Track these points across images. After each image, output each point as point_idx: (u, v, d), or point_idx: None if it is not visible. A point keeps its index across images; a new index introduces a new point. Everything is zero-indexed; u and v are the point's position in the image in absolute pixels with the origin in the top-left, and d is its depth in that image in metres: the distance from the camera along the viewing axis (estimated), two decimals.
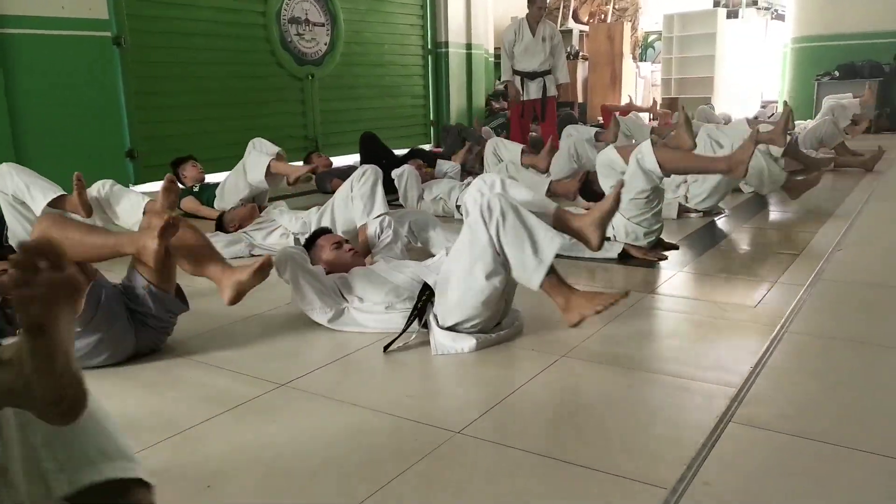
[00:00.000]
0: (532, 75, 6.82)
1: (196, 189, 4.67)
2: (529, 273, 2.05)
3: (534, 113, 6.94)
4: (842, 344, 2.09)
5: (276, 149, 4.28)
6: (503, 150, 4.94)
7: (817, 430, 1.56)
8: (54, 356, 0.75)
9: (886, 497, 1.32)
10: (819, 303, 2.46)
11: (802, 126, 6.84)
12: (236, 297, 2.08)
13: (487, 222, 2.06)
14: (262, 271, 2.08)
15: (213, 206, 4.45)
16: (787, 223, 4.01)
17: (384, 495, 1.39)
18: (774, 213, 4.31)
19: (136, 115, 5.60)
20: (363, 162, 5.86)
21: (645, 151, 2.99)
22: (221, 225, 3.79)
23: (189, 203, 4.60)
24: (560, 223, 2.25)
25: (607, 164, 3.29)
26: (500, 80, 10.49)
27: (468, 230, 2.13)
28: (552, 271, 2.07)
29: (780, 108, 9.52)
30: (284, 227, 3.60)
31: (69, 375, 0.77)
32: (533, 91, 6.85)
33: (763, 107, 11.30)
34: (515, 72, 6.86)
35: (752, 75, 12.00)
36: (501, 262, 2.08)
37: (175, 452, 1.58)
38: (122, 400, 1.87)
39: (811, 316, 2.33)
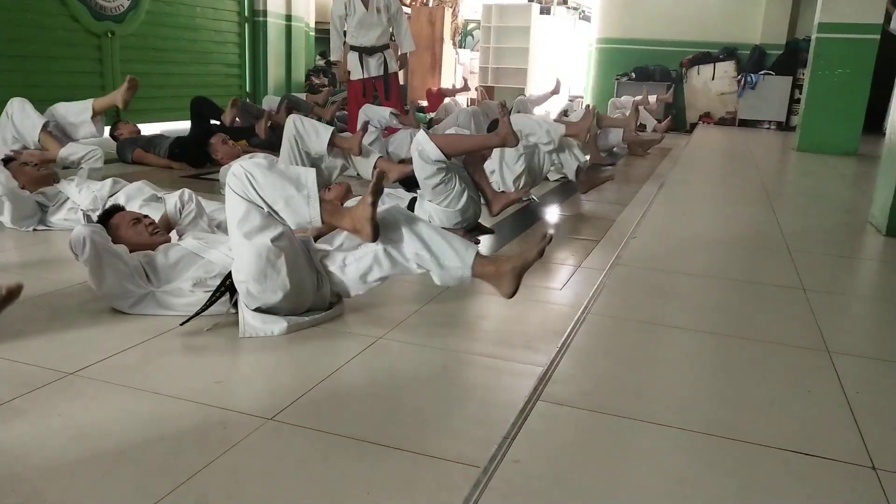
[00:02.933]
0: (370, 50, 6.18)
1: None
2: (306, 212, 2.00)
3: (375, 91, 6.30)
4: (636, 325, 2.27)
5: (43, 120, 3.92)
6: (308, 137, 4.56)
7: (614, 406, 1.67)
8: None
9: (679, 465, 1.44)
10: (616, 286, 2.66)
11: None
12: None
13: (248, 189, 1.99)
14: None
15: None
16: (589, 211, 4.30)
17: (187, 490, 1.28)
18: (580, 201, 4.60)
19: None
20: (193, 125, 5.49)
21: (422, 142, 3.00)
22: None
23: None
24: None
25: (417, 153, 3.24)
26: (322, 55, 10.28)
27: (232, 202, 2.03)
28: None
29: (586, 103, 10.24)
30: (73, 200, 3.21)
31: None
32: (373, 68, 6.21)
33: (571, 100, 12.06)
34: (353, 48, 6.22)
35: (561, 70, 12.75)
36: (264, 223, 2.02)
37: None
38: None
39: (610, 299, 2.50)
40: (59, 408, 1.58)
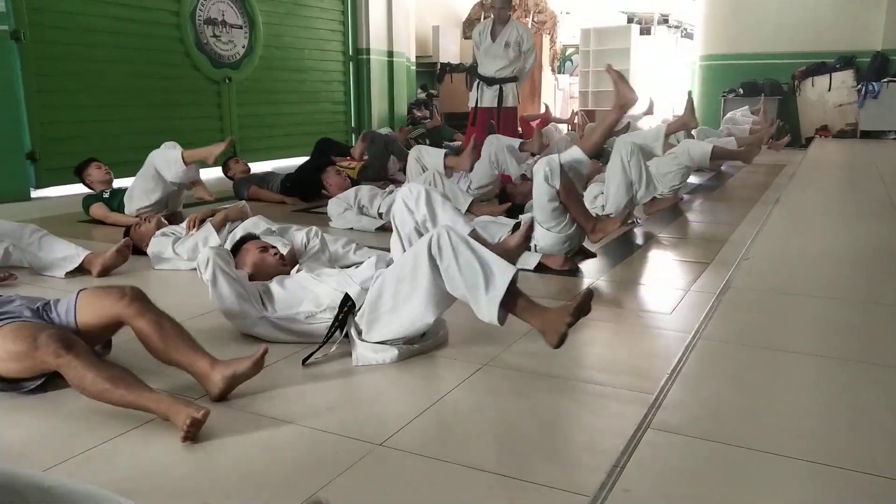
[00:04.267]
0: (489, 81, 6.08)
1: (106, 195, 4.42)
2: (486, 310, 1.97)
3: (489, 122, 6.08)
4: (751, 350, 2.17)
5: (177, 146, 4.14)
6: (426, 158, 4.90)
7: (727, 434, 1.61)
8: None
9: (803, 499, 1.37)
10: (729, 310, 2.56)
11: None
12: (228, 390, 1.85)
13: (438, 261, 1.99)
14: (259, 362, 1.86)
15: (123, 213, 4.24)
16: (699, 232, 4.17)
17: None
18: (687, 223, 4.46)
19: (38, 114, 5.30)
20: (310, 162, 5.79)
21: (553, 168, 3.01)
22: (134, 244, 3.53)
23: (98, 210, 4.36)
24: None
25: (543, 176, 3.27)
26: (423, 88, 10.54)
27: (411, 259, 2.06)
28: (518, 295, 2.01)
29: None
30: (203, 239, 3.38)
31: None
32: (487, 98, 6.11)
33: (664, 122, 11.79)
34: (477, 75, 6.20)
35: (663, 89, 12.48)
36: (442, 300, 2.05)
37: (81, 473, 1.48)
38: (17, 421, 1.75)
39: (722, 323, 2.41)
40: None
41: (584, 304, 1.95)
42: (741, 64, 10.50)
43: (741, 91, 10.28)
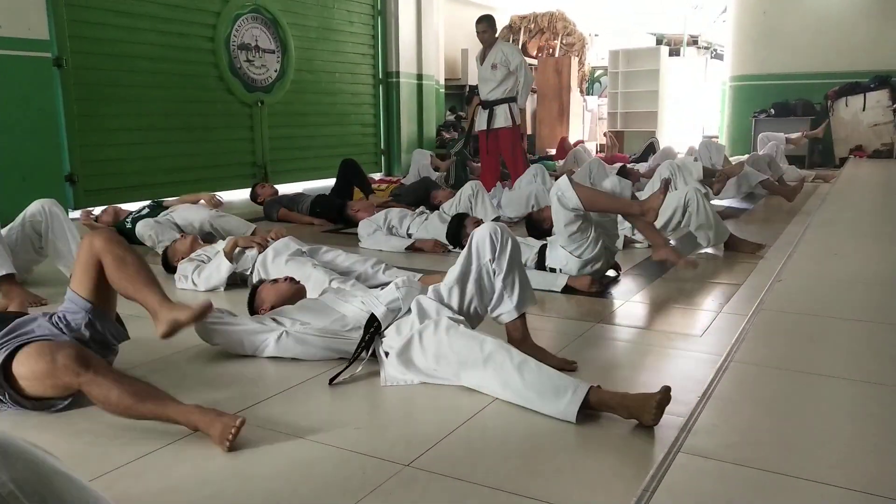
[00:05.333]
0: (484, 104, 6.27)
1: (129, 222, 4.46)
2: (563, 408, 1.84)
3: (486, 145, 6.33)
4: (782, 373, 2.14)
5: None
6: (479, 205, 4.77)
7: (761, 459, 1.58)
8: None
9: None
10: (761, 333, 2.52)
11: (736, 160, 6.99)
12: (170, 333, 1.97)
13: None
14: (201, 314, 2.00)
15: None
16: (729, 254, 4.11)
17: None
18: (719, 246, 4.41)
19: (77, 138, 5.44)
20: (336, 184, 5.89)
21: (563, 188, 3.00)
22: (166, 262, 3.63)
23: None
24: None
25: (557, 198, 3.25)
26: (452, 110, 10.62)
27: (466, 351, 2.01)
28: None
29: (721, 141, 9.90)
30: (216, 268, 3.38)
31: None
32: (482, 121, 6.28)
33: (705, 138, 11.69)
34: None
35: (693, 111, 12.41)
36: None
37: (112, 491, 1.50)
38: (47, 441, 1.78)
39: (754, 346, 2.37)
40: (217, 449, 1.69)
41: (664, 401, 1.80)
42: (772, 84, 10.41)
43: (772, 111, 10.18)
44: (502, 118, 6.17)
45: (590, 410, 1.82)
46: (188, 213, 4.38)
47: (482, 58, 6.21)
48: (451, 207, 4.76)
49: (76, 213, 5.53)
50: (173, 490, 1.51)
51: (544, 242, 3.38)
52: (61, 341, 1.91)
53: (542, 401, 1.85)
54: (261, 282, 2.81)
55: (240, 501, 1.47)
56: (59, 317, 2.04)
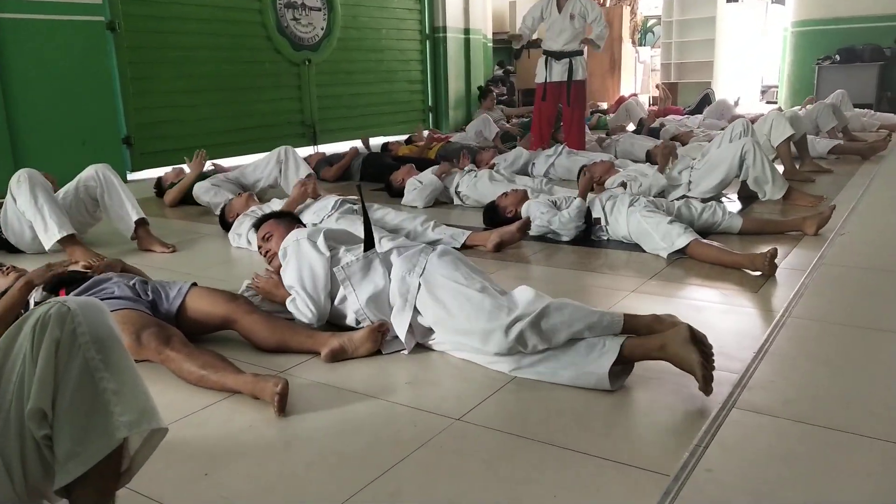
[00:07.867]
0: (558, 55, 5.99)
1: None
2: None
3: (558, 97, 6.10)
4: (844, 329, 2.07)
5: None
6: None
7: (820, 416, 1.54)
8: None
9: (889, 482, 1.30)
10: (821, 288, 2.44)
11: (796, 111, 6.53)
12: (333, 359, 2.00)
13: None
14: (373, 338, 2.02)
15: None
16: (788, 207, 3.98)
17: (382, 483, 1.37)
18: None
19: (132, 101, 5.56)
20: (362, 178, 5.60)
21: (676, 239, 2.93)
22: (224, 219, 3.69)
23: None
24: None
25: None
26: (500, 65, 10.44)
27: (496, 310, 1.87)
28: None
29: (780, 92, 9.49)
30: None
31: None
32: (556, 73, 6.01)
33: (763, 91, 11.23)
34: (543, 51, 6.11)
35: (752, 60, 11.92)
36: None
37: (175, 438, 1.56)
38: None
39: (813, 301, 2.31)
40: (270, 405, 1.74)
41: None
42: (838, 29, 9.90)
43: (837, 58, 9.71)
44: (581, 70, 6.06)
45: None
46: (255, 172, 4.48)
47: (558, 7, 5.97)
48: (507, 165, 5.11)
49: (134, 175, 5.68)
50: (231, 437, 1.56)
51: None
52: (142, 313, 1.98)
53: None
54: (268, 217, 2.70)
55: (293, 452, 1.51)
56: (143, 287, 2.12)
